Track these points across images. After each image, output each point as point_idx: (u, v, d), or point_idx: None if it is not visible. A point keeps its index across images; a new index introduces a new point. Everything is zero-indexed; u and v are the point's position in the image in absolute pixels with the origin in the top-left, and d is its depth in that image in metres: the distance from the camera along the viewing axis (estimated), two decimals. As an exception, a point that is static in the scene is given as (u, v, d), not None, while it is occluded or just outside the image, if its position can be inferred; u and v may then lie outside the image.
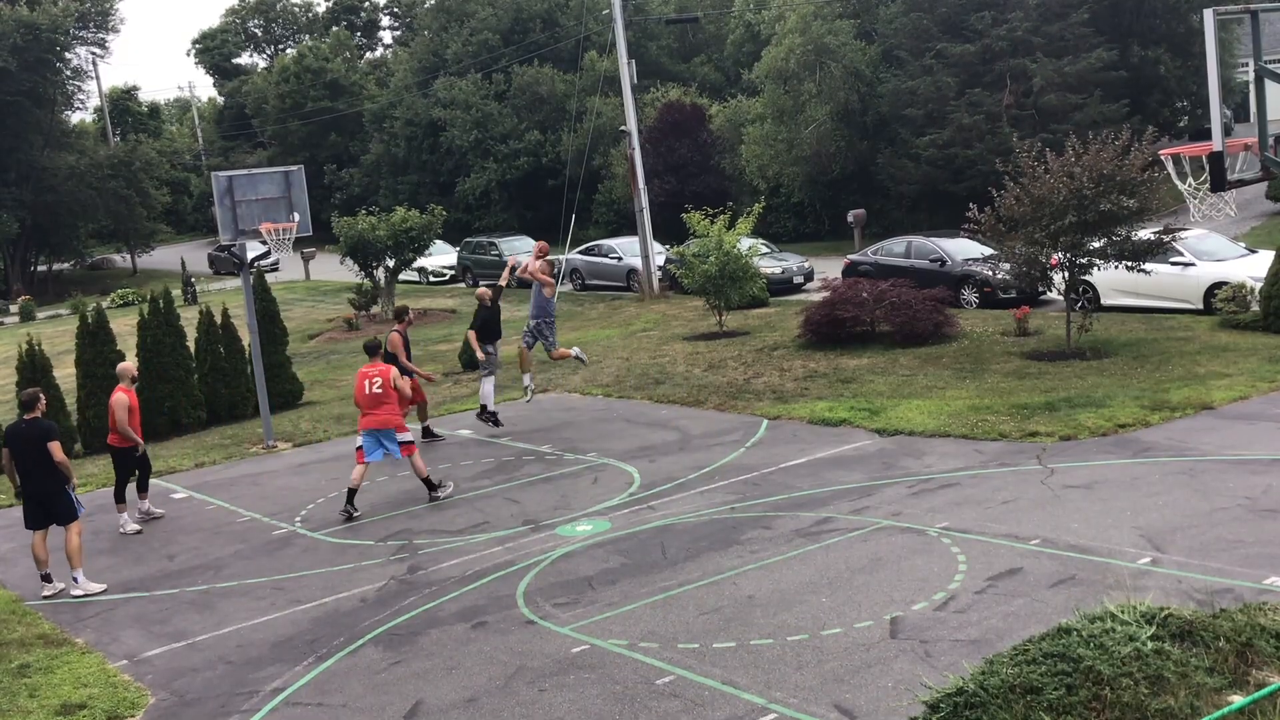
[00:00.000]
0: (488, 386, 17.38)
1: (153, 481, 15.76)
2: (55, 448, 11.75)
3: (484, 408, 17.35)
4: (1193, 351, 17.41)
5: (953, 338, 20.43)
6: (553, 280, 17.78)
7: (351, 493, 13.60)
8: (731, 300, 23.93)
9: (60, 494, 11.84)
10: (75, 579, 11.86)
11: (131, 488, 14.43)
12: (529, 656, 9.01)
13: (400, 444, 13.70)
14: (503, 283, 18.40)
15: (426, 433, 17.25)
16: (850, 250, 30.35)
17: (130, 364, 15.33)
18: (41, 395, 12.50)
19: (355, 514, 13.49)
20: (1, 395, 25.48)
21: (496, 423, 17.23)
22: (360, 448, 13.74)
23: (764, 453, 14.40)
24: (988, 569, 9.72)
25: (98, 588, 11.91)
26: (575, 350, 18.34)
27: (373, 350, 14.24)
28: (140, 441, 14.15)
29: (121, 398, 13.92)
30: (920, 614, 8.96)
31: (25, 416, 12.01)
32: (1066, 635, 6.93)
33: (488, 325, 17.52)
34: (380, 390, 13.56)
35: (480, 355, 17.42)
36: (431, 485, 13.87)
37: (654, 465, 14.37)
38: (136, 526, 14.09)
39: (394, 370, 13.89)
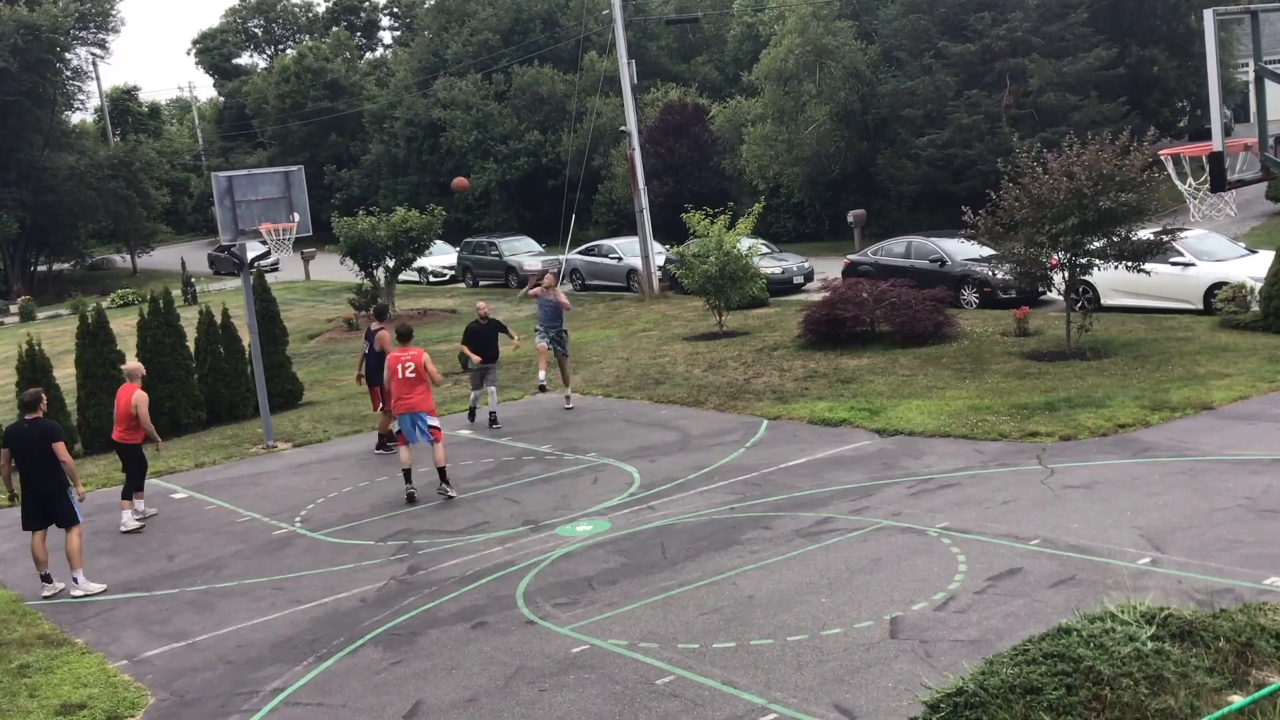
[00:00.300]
0: (472, 395, 18.27)
1: (153, 481, 15.83)
2: (60, 448, 11.72)
3: (473, 410, 18.23)
4: (1193, 351, 17.41)
5: (953, 338, 20.44)
6: (567, 303, 19.07)
7: (406, 473, 14.03)
8: (731, 300, 23.94)
9: (61, 495, 11.81)
10: (75, 579, 11.85)
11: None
12: (529, 656, 9.01)
13: (430, 428, 13.87)
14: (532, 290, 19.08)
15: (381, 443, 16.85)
16: (850, 250, 30.34)
17: (139, 364, 15.50)
18: (43, 395, 12.51)
19: (414, 490, 13.95)
20: (1, 395, 25.48)
21: (472, 417, 18.07)
22: (400, 432, 14.04)
23: (764, 453, 14.40)
24: (988, 569, 9.72)
25: (97, 588, 11.91)
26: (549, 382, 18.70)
27: (405, 337, 14.30)
28: (159, 440, 14.45)
29: (143, 395, 14.14)
30: (920, 614, 8.96)
31: (27, 417, 12.00)
32: (1066, 635, 6.92)
33: (478, 340, 17.97)
34: (414, 375, 13.78)
35: (474, 358, 17.93)
36: (444, 477, 13.93)
37: (654, 465, 14.37)
38: (138, 523, 14.13)
39: (425, 354, 14.09)
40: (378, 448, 16.82)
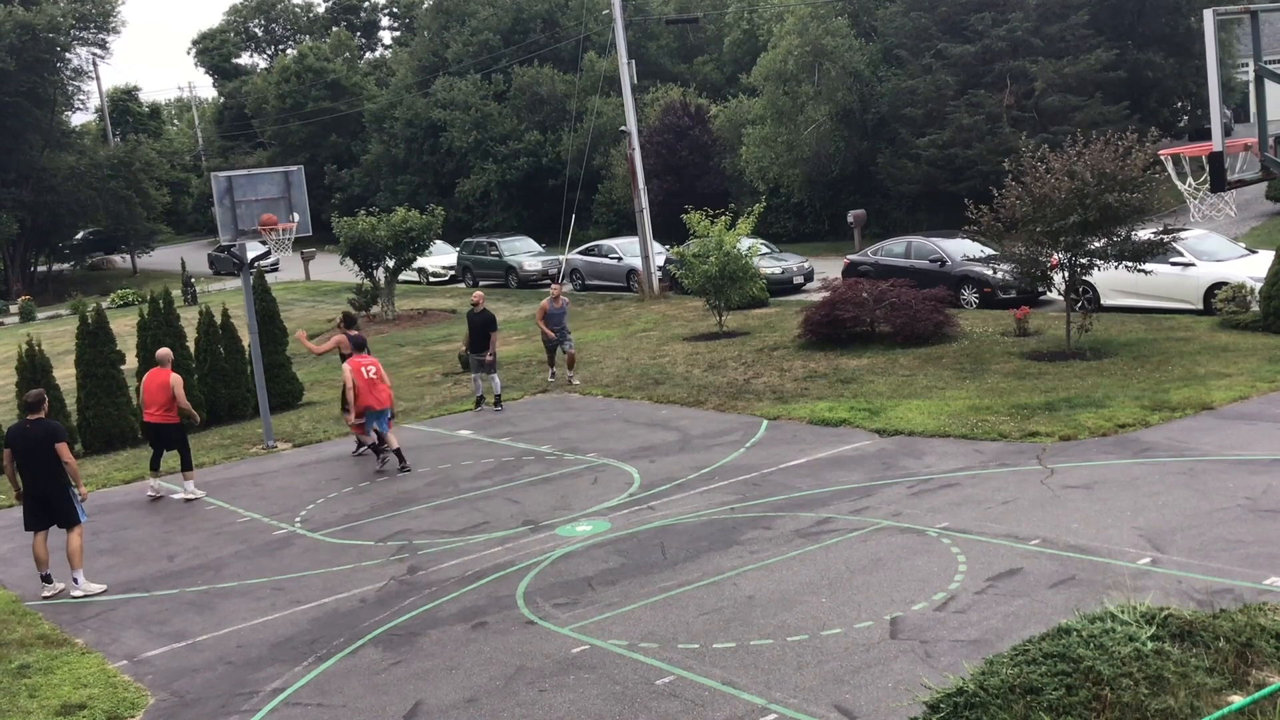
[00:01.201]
0: (476, 385, 19.26)
1: (154, 481, 15.92)
2: (63, 449, 11.72)
3: (479, 400, 19.22)
4: (1193, 352, 17.41)
5: (953, 338, 20.43)
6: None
7: (373, 447, 15.78)
8: (731, 300, 23.94)
9: (63, 495, 11.81)
10: (75, 579, 11.85)
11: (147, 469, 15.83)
12: (529, 657, 9.01)
13: (388, 420, 15.99)
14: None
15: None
16: (850, 250, 30.35)
17: (168, 350, 16.17)
18: (46, 396, 12.52)
19: (405, 467, 15.54)
20: (1, 395, 25.48)
21: (478, 405, 19.15)
22: (361, 424, 15.89)
23: (764, 453, 14.40)
24: (988, 569, 9.72)
25: (97, 588, 11.91)
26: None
27: (361, 345, 16.37)
28: (196, 415, 15.71)
29: (178, 376, 15.26)
30: (920, 614, 8.96)
31: (30, 417, 12.00)
32: (1066, 635, 6.92)
33: (473, 328, 19.06)
34: (375, 375, 15.76)
35: (474, 358, 19.19)
36: (402, 456, 15.56)
37: (654, 465, 14.37)
38: (202, 492, 15.32)
39: (378, 362, 16.19)
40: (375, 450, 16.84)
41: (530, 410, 18.75)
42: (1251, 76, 13.25)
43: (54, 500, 11.79)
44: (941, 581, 9.57)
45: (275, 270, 45.92)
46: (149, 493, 15.59)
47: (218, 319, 20.61)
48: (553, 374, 20.53)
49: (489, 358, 18.85)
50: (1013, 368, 17.73)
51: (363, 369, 15.67)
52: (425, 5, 69.67)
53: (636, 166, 31.59)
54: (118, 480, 16.73)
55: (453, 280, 41.00)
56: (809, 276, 29.45)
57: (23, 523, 12.09)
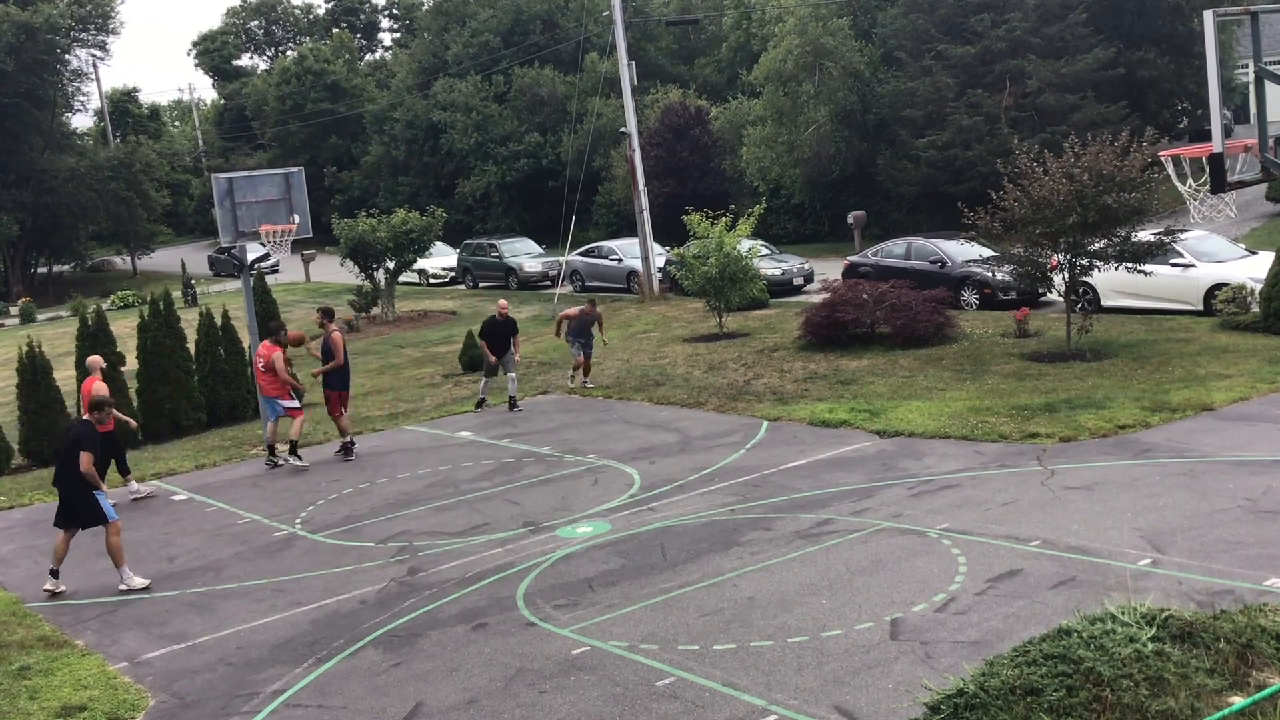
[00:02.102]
0: (481, 385, 19.57)
1: (154, 483, 15.94)
2: (84, 459, 11.69)
3: (482, 400, 19.33)
4: (1193, 353, 17.41)
5: (953, 339, 20.43)
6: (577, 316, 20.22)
7: (271, 447, 16.63)
8: (732, 302, 23.94)
9: (82, 498, 11.81)
10: (121, 575, 11.87)
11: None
12: (529, 658, 9.01)
13: (287, 409, 16.58)
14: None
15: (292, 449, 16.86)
16: (850, 252, 30.34)
17: (98, 357, 16.28)
18: (107, 404, 12.72)
19: (280, 464, 16.50)
20: (1, 397, 25.47)
21: (480, 405, 19.31)
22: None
23: (764, 454, 14.40)
24: (988, 570, 9.72)
25: (141, 582, 11.87)
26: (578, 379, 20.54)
27: (269, 334, 16.82)
28: (129, 420, 15.94)
29: (99, 385, 15.17)
30: (920, 615, 8.96)
31: (84, 416, 12.17)
32: (1067, 636, 6.92)
33: (494, 335, 19.08)
34: (264, 368, 16.44)
35: (491, 359, 19.14)
36: (294, 450, 16.38)
37: (654, 467, 14.37)
38: (149, 489, 15.74)
39: (278, 352, 16.53)
40: (339, 452, 16.82)
41: (530, 411, 18.76)
42: (1251, 77, 13.27)
43: (74, 502, 11.83)
44: (942, 583, 9.57)
45: (275, 272, 45.92)
46: (130, 496, 15.49)
47: (218, 320, 20.61)
48: (572, 376, 20.42)
49: (518, 357, 19.28)
50: (1013, 369, 17.73)
51: (260, 361, 16.57)
52: (425, 7, 69.72)
53: (636, 168, 31.59)
54: (117, 482, 16.69)
55: (453, 282, 40.99)
56: (809, 278, 29.44)
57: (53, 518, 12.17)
